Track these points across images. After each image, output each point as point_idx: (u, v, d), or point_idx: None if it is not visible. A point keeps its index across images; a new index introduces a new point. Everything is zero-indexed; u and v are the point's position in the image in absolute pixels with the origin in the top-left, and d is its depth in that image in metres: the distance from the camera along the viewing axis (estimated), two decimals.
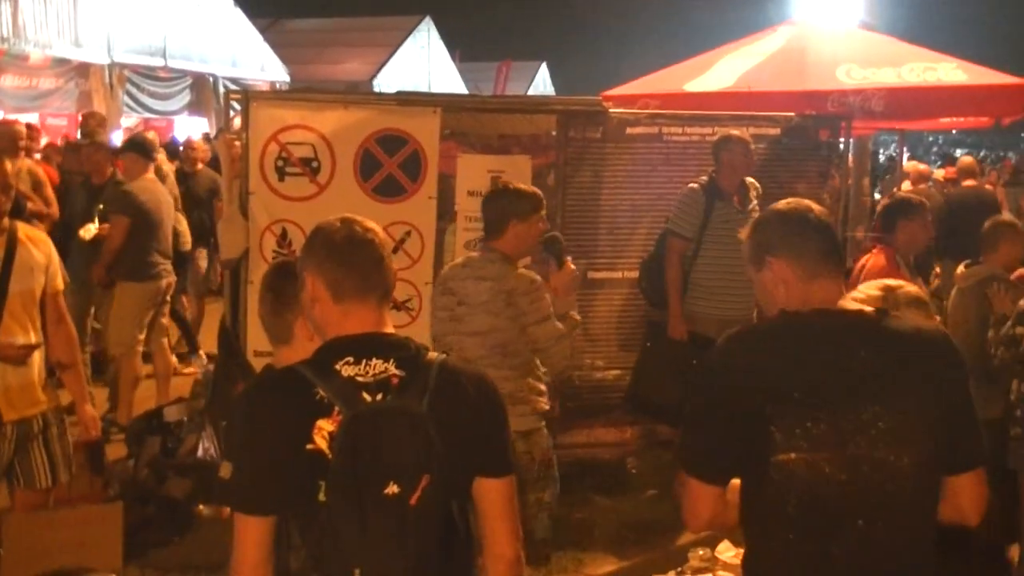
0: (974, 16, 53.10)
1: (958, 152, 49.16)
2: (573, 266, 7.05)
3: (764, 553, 3.46)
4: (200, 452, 8.23)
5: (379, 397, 3.20)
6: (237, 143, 8.92)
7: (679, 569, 7.65)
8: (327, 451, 3.11)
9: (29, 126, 13.16)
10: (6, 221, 6.07)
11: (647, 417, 9.33)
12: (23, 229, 6.16)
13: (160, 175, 11.35)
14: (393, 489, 3.14)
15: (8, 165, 6.15)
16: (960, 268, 7.43)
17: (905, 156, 22.52)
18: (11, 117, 20.30)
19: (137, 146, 10.49)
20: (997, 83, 11.58)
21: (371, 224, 3.49)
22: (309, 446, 3.12)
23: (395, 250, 8.97)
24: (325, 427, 3.13)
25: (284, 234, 8.78)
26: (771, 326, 3.52)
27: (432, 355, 3.41)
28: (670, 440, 9.17)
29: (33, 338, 6.05)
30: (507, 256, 6.77)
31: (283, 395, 3.26)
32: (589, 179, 9.45)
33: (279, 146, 8.68)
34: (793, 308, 3.44)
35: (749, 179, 8.87)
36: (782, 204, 3.65)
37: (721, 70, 12.05)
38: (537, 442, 6.81)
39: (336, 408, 3.15)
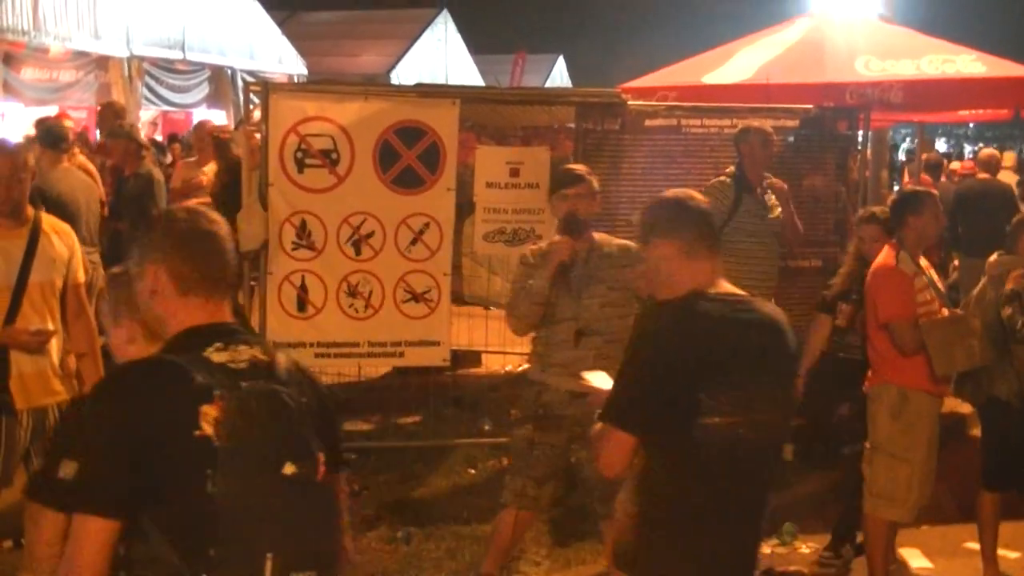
0: (993, 8, 52.92)
1: (973, 147, 48.96)
2: (558, 238, 6.71)
3: (674, 498, 3.86)
4: None
5: (256, 381, 3.18)
6: (257, 135, 8.95)
7: None
8: (214, 437, 3.04)
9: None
10: (30, 210, 6.10)
11: None
12: (47, 220, 6.18)
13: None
14: (291, 469, 3.13)
15: (30, 157, 6.18)
16: (992, 257, 7.42)
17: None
18: (32, 110, 20.43)
19: (43, 136, 10.31)
20: (1016, 75, 11.54)
21: (215, 216, 3.43)
22: (196, 432, 3.04)
23: (414, 242, 9.01)
24: (210, 412, 3.05)
25: (303, 225, 8.82)
26: (692, 304, 3.88)
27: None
28: None
29: (50, 326, 6.06)
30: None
31: (162, 383, 3.15)
32: (607, 171, 9.41)
33: (298, 138, 8.71)
34: (677, 284, 3.92)
35: (770, 176, 8.86)
36: (668, 192, 4.26)
37: (739, 62, 12.03)
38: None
39: (217, 393, 3.08)
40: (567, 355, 6.47)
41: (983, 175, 14.53)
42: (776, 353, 3.98)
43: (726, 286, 4.02)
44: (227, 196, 11.05)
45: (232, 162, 11.80)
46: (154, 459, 3.04)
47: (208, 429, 3.03)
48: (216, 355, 3.19)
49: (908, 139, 38.88)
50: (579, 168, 6.97)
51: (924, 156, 18.41)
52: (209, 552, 3.05)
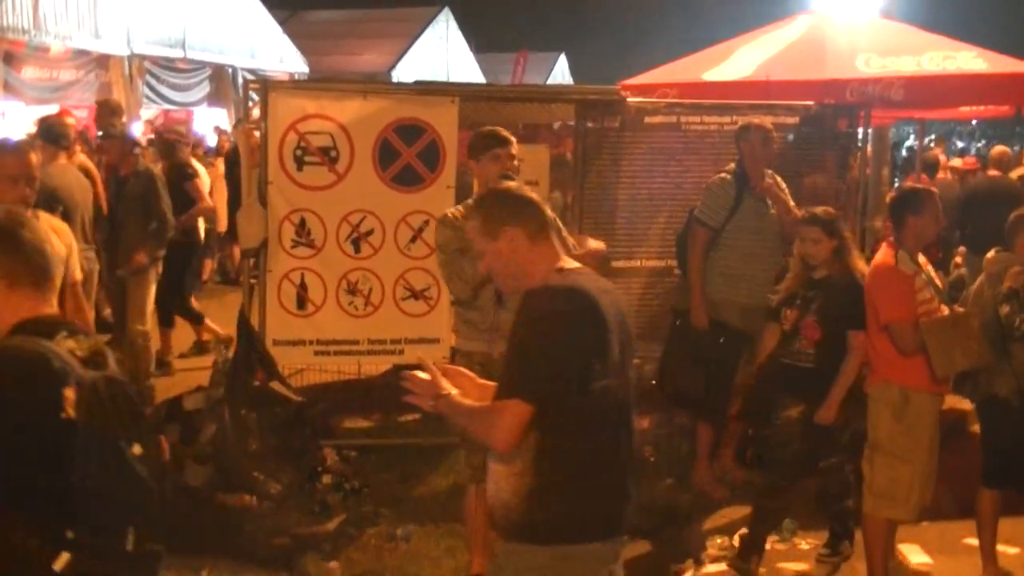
0: (994, 6, 52.91)
1: (967, 145, 48.94)
2: None
3: (571, 459, 4.09)
4: (219, 440, 8.24)
5: (97, 369, 3.35)
6: (256, 133, 8.95)
7: (698, 556, 7.70)
8: (76, 419, 3.19)
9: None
10: (29, 212, 6.09)
11: (671, 404, 9.33)
12: (45, 219, 6.17)
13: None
14: (138, 450, 3.35)
15: (33, 157, 6.18)
16: (990, 254, 7.38)
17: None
18: (32, 108, 20.43)
19: (44, 133, 10.34)
20: (1017, 72, 11.51)
21: (27, 214, 3.67)
22: (63, 415, 3.18)
23: (413, 239, 9.01)
24: (71, 396, 3.20)
25: (303, 223, 8.83)
26: (569, 281, 4.15)
27: None
28: (689, 429, 9.17)
29: None
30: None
31: (27, 367, 3.27)
32: (607, 168, 9.44)
33: (298, 135, 8.72)
34: (535, 268, 4.21)
35: (770, 172, 8.85)
36: (499, 188, 4.54)
37: (740, 59, 12.01)
38: (457, 362, 6.67)
39: (73, 377, 3.24)
40: (497, 318, 6.62)
41: (993, 172, 14.45)
42: (625, 317, 4.32)
43: (572, 261, 4.35)
44: (175, 195, 11.13)
45: (177, 162, 11.83)
46: (23, 442, 3.18)
47: (71, 412, 3.19)
48: (63, 343, 3.35)
49: (912, 136, 38.87)
50: (500, 129, 7.00)
51: (939, 153, 18.39)
52: (67, 534, 3.20)
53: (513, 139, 6.90)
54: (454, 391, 4.19)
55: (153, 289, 11.12)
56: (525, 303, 4.10)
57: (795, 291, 7.49)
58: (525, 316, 4.09)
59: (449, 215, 6.79)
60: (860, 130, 10.25)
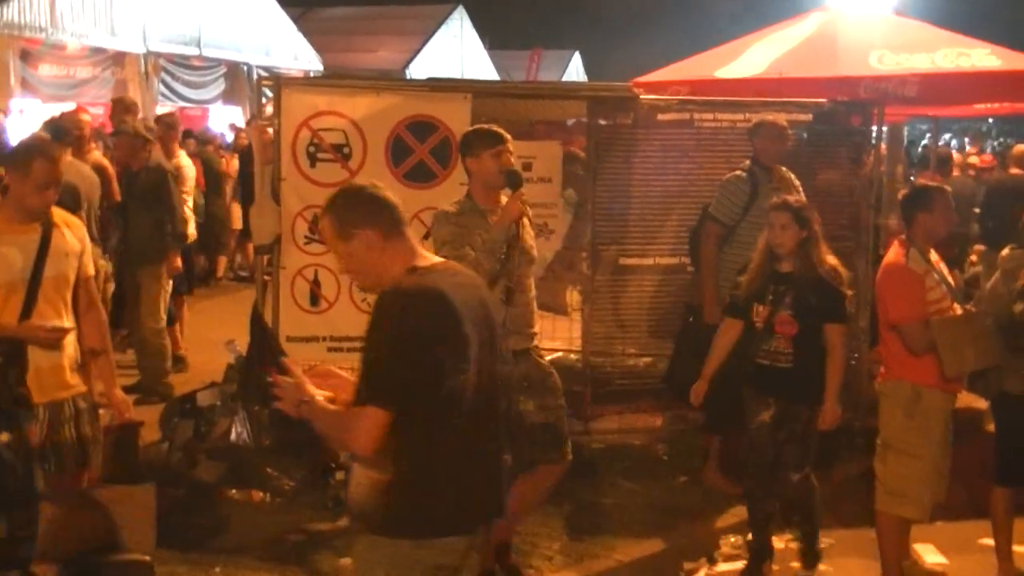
0: (1009, 5, 52.70)
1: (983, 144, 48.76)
2: (524, 199, 6.80)
3: (431, 456, 4.15)
4: (232, 436, 8.27)
5: None
6: (269, 129, 8.97)
7: (711, 555, 7.70)
8: None
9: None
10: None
11: (681, 401, 9.31)
12: (58, 214, 6.21)
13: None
14: (5, 437, 3.53)
15: (61, 162, 6.22)
16: (1005, 251, 7.35)
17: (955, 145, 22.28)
18: (49, 106, 20.49)
19: (53, 130, 10.36)
20: None
21: None
22: None
23: (426, 236, 8.99)
24: None
25: (316, 220, 8.81)
26: (421, 280, 4.20)
27: None
28: (701, 427, 9.16)
29: (66, 322, 6.10)
30: (471, 195, 6.88)
31: None
32: (620, 165, 9.43)
33: (311, 132, 8.73)
34: (390, 266, 4.25)
35: (782, 168, 8.84)
36: (351, 187, 4.51)
37: (752, 56, 11.99)
38: None
39: None
40: (507, 315, 6.52)
41: (1015, 170, 14.36)
42: (488, 307, 4.43)
43: (430, 257, 4.43)
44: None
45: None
46: None
47: None
48: None
49: (929, 136, 38.86)
50: (494, 126, 7.00)
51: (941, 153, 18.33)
52: None
53: (508, 136, 6.91)
54: (319, 395, 4.22)
55: (168, 287, 11.17)
56: (376, 305, 4.16)
57: (761, 286, 7.24)
58: (376, 318, 4.14)
59: (447, 210, 6.83)
60: (874, 128, 10.20)
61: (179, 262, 11.17)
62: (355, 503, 4.29)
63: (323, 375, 4.48)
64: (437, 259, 4.48)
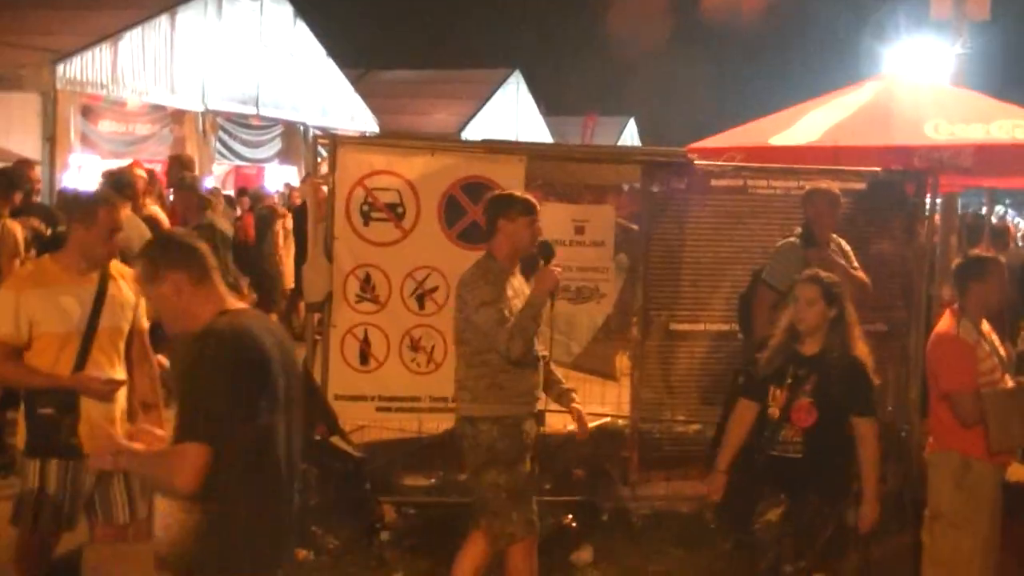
0: None
1: None
2: (558, 269, 7.05)
3: (242, 494, 4.31)
4: None
5: None
6: (324, 187, 9.02)
7: None
8: None
9: (149, 172, 13.23)
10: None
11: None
12: (114, 265, 6.27)
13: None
14: None
15: (123, 211, 6.31)
16: None
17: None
18: (107, 162, 20.76)
19: (112, 183, 10.41)
20: None
21: None
22: None
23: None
24: None
25: (368, 278, 8.87)
26: (233, 322, 4.41)
27: None
28: None
29: (120, 374, 6.15)
30: (493, 255, 6.91)
31: None
32: (673, 230, 9.41)
33: (365, 191, 8.79)
34: (199, 310, 4.43)
35: (835, 236, 8.81)
36: (164, 233, 5.23)
37: (807, 124, 11.97)
38: (483, 430, 6.80)
39: None
40: (531, 381, 6.89)
41: None
42: (291, 355, 4.66)
43: (237, 303, 4.64)
44: None
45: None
46: None
47: None
48: None
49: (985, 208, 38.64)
50: (525, 194, 7.19)
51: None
52: None
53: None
54: (134, 445, 4.42)
55: None
56: (191, 346, 4.30)
57: (780, 367, 6.69)
58: (191, 359, 4.29)
59: (479, 270, 6.90)
60: (928, 197, 10.14)
61: None
62: (163, 542, 4.41)
63: (138, 435, 4.68)
64: (243, 305, 4.72)
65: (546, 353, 7.13)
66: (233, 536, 4.32)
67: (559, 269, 7.01)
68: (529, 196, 7.11)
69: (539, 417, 7.07)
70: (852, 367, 6.54)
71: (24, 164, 12.33)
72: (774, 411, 6.62)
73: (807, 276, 6.84)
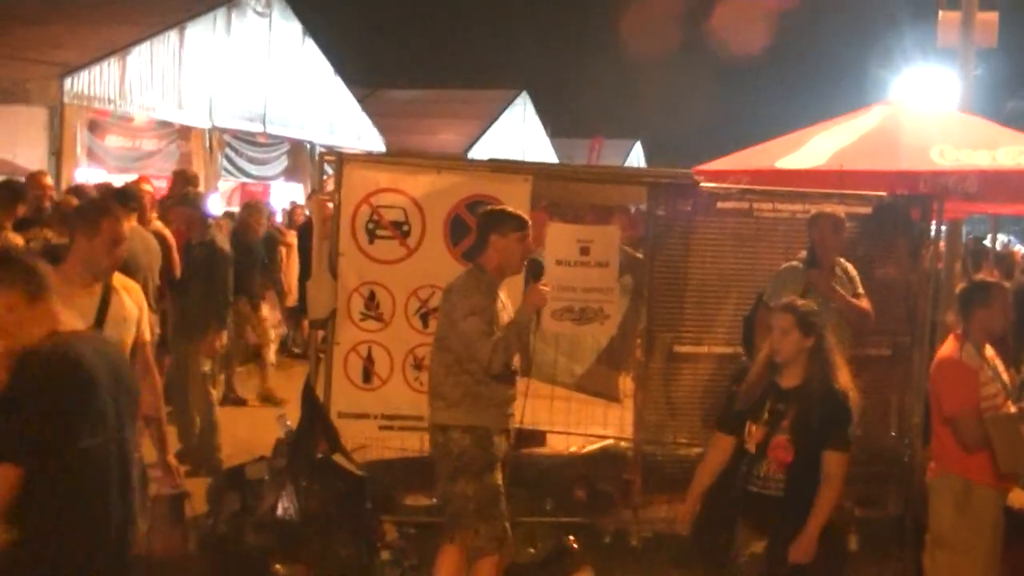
0: None
1: None
2: (546, 288, 7.10)
3: (60, 515, 4.36)
4: (279, 510, 8.25)
5: None
6: (329, 204, 9.02)
7: None
8: None
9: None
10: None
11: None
12: (117, 278, 6.27)
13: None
14: None
15: (129, 223, 6.31)
16: None
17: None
18: (113, 176, 20.78)
19: (120, 196, 10.41)
20: None
21: None
22: None
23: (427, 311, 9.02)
24: None
25: (372, 296, 8.87)
26: (63, 343, 4.46)
27: None
28: None
29: None
30: (483, 268, 6.94)
31: None
32: (678, 252, 9.41)
33: (371, 208, 8.80)
34: (31, 328, 4.43)
35: (841, 260, 8.80)
36: (2, 252, 5.11)
37: (813, 147, 11.98)
38: (453, 438, 6.83)
39: None
40: (508, 394, 6.97)
41: None
42: (127, 377, 4.78)
43: (72, 321, 4.68)
44: None
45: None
46: None
47: None
48: None
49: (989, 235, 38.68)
50: (517, 210, 7.21)
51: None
52: None
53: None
54: None
55: (208, 365, 11.12)
56: (15, 366, 4.33)
57: (758, 402, 6.45)
58: (14, 379, 4.31)
59: (469, 280, 6.94)
60: (933, 223, 10.12)
61: (218, 344, 11.06)
62: None
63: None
64: (78, 327, 4.76)
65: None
66: (45, 558, 4.36)
67: (547, 288, 7.05)
68: (521, 213, 7.16)
69: (510, 434, 7.12)
70: (832, 399, 6.29)
71: (38, 175, 12.31)
72: (751, 447, 6.40)
73: (781, 304, 6.64)
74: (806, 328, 6.37)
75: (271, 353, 14.94)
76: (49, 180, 12.46)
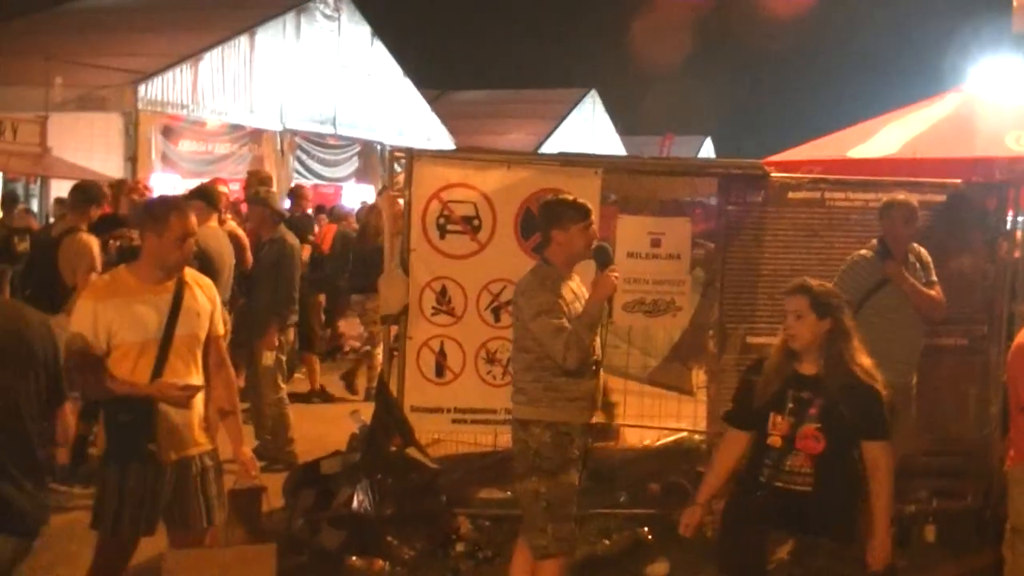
0: None
1: None
2: (616, 275, 6.72)
3: None
4: (355, 505, 8.30)
5: None
6: (400, 201, 9.06)
7: None
8: None
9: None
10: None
11: None
12: (189, 273, 6.32)
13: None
14: None
15: (194, 217, 6.35)
16: None
17: None
18: (187, 181, 21.03)
19: (202, 195, 10.57)
20: None
21: None
22: None
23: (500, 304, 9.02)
24: None
25: (443, 291, 8.89)
26: None
27: None
28: None
29: (197, 380, 6.19)
30: (549, 262, 6.80)
31: None
32: (750, 243, 9.35)
33: (441, 204, 8.82)
34: None
35: (915, 246, 8.69)
36: None
37: (886, 136, 11.86)
38: (534, 434, 6.72)
39: None
40: (588, 386, 6.76)
41: None
42: (25, 346, 5.10)
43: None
44: None
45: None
46: None
47: None
48: None
49: None
50: (579, 199, 6.98)
51: None
52: None
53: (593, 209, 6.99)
54: None
55: (282, 358, 11.20)
56: None
57: (779, 391, 6.07)
58: None
59: (536, 278, 6.79)
60: (1010, 213, 9.97)
61: (275, 340, 11.08)
62: None
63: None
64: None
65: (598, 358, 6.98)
66: None
67: (617, 274, 6.74)
68: (581, 200, 6.95)
69: (592, 430, 7.05)
70: (859, 385, 5.96)
71: (122, 183, 12.54)
72: (776, 440, 6.02)
73: (793, 286, 6.31)
74: (821, 310, 6.03)
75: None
76: (140, 183, 12.70)
